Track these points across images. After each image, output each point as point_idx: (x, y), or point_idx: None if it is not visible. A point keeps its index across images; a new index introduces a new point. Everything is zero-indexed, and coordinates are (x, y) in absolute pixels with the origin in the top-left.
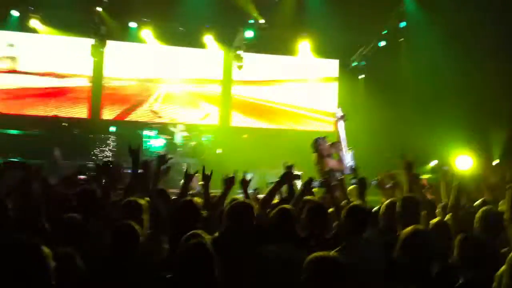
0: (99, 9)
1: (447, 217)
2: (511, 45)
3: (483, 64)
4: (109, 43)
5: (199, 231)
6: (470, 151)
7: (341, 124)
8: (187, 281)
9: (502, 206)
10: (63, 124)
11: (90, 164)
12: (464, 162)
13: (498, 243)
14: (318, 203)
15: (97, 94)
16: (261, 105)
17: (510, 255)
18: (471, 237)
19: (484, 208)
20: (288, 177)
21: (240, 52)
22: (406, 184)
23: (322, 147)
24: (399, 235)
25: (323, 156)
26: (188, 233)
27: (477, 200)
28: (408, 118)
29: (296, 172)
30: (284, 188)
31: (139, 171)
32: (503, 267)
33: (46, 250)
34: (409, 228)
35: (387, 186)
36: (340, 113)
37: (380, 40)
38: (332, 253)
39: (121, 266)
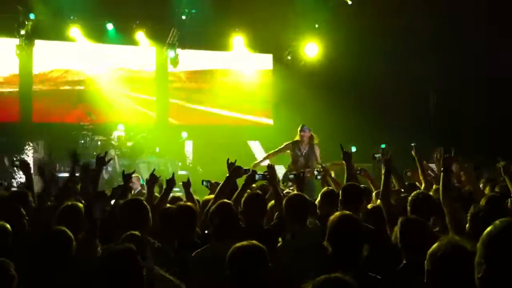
0: (22, 7)
1: (378, 202)
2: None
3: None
4: (37, 43)
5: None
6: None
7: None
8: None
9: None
10: None
11: None
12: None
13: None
14: (255, 192)
15: (27, 96)
16: (198, 109)
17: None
18: (409, 220)
19: (414, 192)
20: (236, 173)
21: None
22: (346, 173)
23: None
24: None
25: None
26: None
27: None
28: (345, 109)
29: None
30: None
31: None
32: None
33: None
34: (335, 215)
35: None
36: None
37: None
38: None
39: (53, 272)
